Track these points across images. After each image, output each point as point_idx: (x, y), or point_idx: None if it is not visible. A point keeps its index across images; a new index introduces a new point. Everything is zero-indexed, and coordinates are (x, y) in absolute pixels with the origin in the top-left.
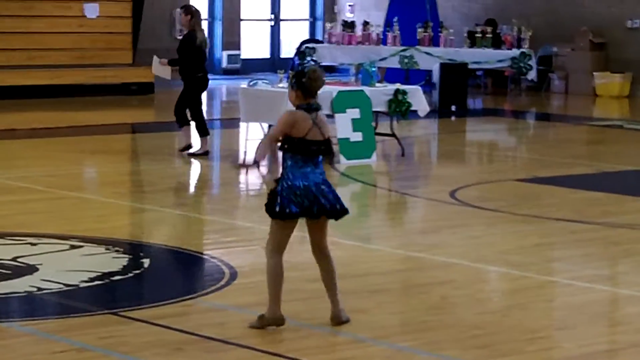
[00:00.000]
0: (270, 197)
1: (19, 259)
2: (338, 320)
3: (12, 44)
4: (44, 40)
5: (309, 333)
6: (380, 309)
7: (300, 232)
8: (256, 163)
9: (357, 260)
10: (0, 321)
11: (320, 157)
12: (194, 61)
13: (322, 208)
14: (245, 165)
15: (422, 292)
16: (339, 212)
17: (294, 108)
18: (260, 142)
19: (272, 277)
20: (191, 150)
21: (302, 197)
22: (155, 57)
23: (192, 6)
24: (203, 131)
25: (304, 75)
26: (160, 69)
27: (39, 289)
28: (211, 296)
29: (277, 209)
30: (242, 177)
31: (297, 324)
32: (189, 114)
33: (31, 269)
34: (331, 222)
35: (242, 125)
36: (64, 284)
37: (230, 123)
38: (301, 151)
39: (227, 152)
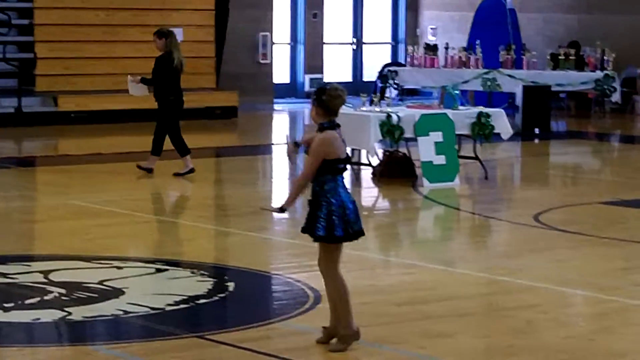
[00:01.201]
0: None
1: (105, 283)
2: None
3: (97, 69)
4: (128, 65)
5: (394, 356)
6: (466, 333)
7: (382, 256)
8: (282, 210)
9: (441, 284)
10: (88, 344)
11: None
12: (168, 83)
13: (360, 228)
14: (269, 209)
15: (507, 315)
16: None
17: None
18: (294, 184)
19: (345, 295)
20: (179, 171)
21: (350, 215)
22: (129, 77)
23: (165, 28)
24: (183, 151)
25: (324, 93)
26: (135, 88)
27: (126, 312)
28: (295, 319)
29: (342, 230)
30: None
31: (383, 348)
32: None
33: (117, 292)
34: (415, 247)
35: None
36: (150, 307)
37: None
38: (340, 171)
39: None
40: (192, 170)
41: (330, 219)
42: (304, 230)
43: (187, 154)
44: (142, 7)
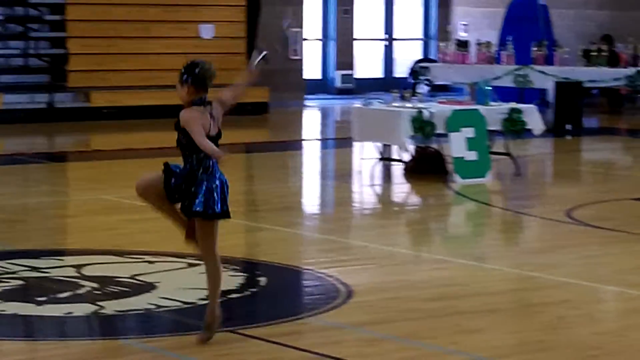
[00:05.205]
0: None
1: (137, 277)
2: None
3: (129, 65)
4: (160, 61)
5: (425, 352)
6: (496, 329)
7: (413, 252)
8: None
9: (472, 280)
10: (119, 338)
11: None
12: None
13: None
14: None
15: (538, 311)
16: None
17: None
18: (204, 146)
19: (221, 276)
20: None
21: (226, 193)
22: None
23: None
24: None
25: (197, 66)
26: None
27: (158, 306)
28: (327, 314)
29: (220, 207)
30: (356, 196)
31: (414, 343)
32: None
33: (149, 287)
34: (446, 242)
35: (356, 144)
36: (182, 302)
37: (344, 142)
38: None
39: (341, 172)
40: None
41: (212, 196)
42: (181, 209)
43: None
44: (173, 3)
